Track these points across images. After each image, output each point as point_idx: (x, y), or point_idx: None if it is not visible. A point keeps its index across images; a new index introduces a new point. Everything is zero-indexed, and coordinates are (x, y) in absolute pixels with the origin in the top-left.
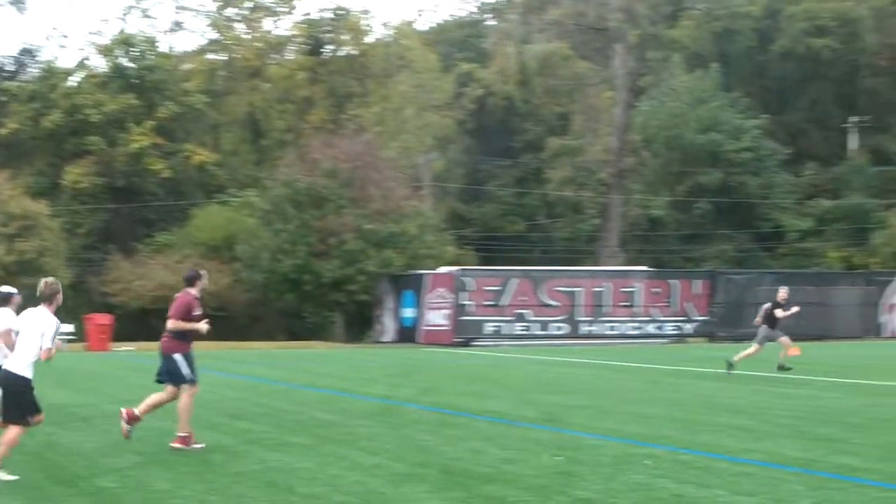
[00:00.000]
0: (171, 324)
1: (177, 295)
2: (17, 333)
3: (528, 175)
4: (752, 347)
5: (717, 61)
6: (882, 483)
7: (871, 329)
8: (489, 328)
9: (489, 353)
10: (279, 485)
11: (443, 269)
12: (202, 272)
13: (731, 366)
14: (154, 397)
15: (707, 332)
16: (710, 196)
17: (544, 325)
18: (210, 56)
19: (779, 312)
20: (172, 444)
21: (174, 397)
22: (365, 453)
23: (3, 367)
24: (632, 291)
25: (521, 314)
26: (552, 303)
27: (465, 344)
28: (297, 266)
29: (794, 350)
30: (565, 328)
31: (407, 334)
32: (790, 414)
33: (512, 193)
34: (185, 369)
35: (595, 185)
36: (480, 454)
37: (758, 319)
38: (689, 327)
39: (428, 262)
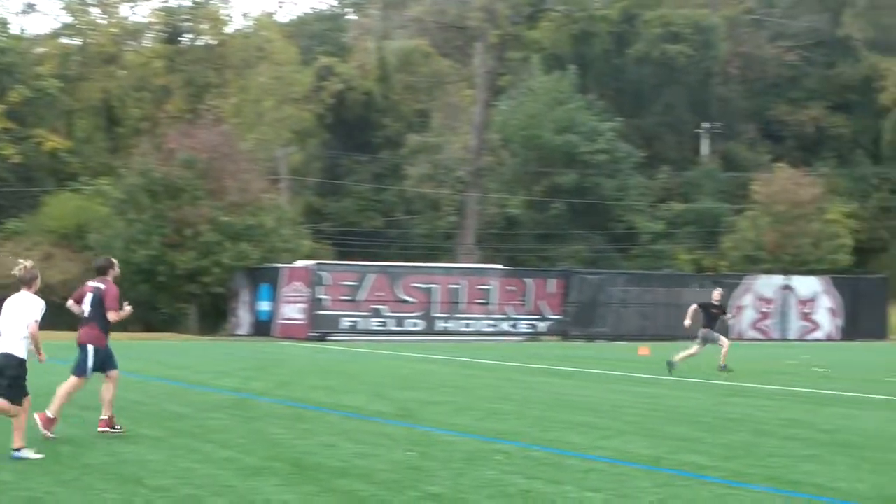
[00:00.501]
0: (113, 316)
1: (97, 286)
2: None
3: (387, 171)
4: (693, 348)
5: (575, 63)
6: (726, 480)
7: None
8: (345, 323)
9: (345, 347)
10: (128, 477)
11: (299, 263)
12: (114, 260)
13: (671, 366)
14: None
15: (561, 331)
16: (566, 196)
17: (400, 321)
18: (64, 40)
19: (728, 317)
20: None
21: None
22: (216, 446)
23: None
24: (487, 289)
25: (377, 310)
26: (408, 299)
27: (321, 338)
28: (151, 257)
29: (643, 350)
30: (421, 324)
31: (262, 328)
32: (640, 412)
33: (370, 189)
34: (90, 363)
35: (453, 182)
36: (333, 448)
37: (687, 322)
38: (543, 325)
39: (284, 255)
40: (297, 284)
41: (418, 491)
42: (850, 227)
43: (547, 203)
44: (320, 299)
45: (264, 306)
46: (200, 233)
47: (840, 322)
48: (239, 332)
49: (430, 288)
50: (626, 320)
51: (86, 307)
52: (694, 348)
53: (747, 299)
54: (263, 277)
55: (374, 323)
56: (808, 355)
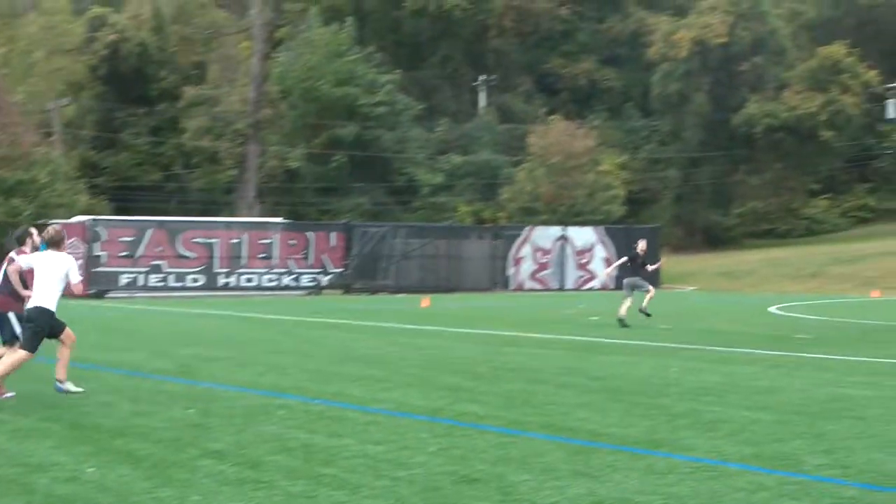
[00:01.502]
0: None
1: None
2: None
3: (164, 124)
4: (627, 301)
5: (353, 15)
6: (503, 429)
7: (500, 282)
8: (124, 280)
9: (124, 304)
10: None
11: (75, 219)
12: (31, 230)
13: (622, 322)
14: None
15: (343, 284)
16: (347, 149)
17: (180, 277)
18: None
19: (649, 267)
20: None
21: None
22: None
23: (34, 305)
24: (269, 243)
25: (156, 265)
26: (188, 254)
27: (99, 296)
28: None
29: (425, 302)
30: (202, 280)
31: None
32: (420, 364)
33: (147, 143)
34: (17, 328)
35: (232, 135)
36: (111, 408)
37: (609, 271)
38: (325, 279)
39: (59, 211)
40: (73, 241)
41: (199, 448)
42: (622, 178)
43: (328, 156)
44: (97, 256)
45: None
46: None
47: (615, 271)
48: None
49: (210, 243)
50: (408, 273)
51: None
52: (628, 300)
53: (526, 250)
54: None
55: (153, 279)
56: (584, 304)
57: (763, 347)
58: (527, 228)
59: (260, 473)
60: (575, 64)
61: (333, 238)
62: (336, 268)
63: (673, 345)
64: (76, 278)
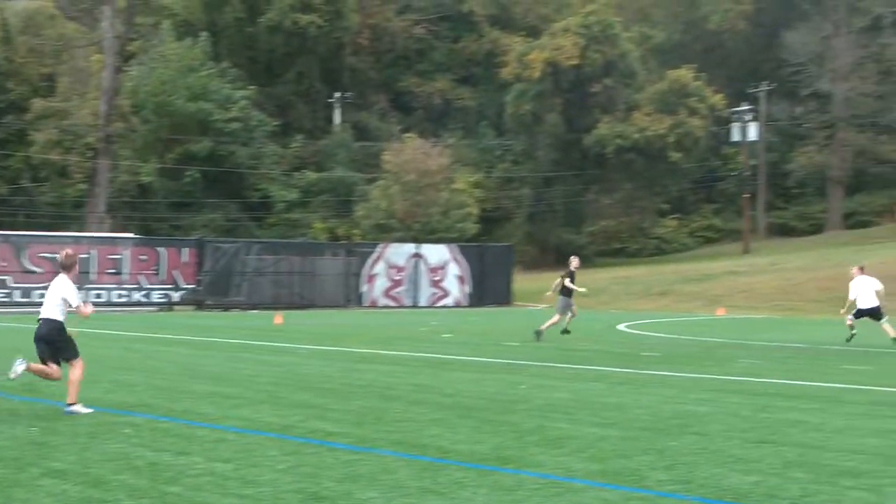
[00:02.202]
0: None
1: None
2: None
3: (12, 137)
4: (555, 317)
5: (207, 30)
6: (354, 446)
7: (354, 299)
8: None
9: None
10: None
11: None
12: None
13: (538, 335)
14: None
15: (195, 300)
16: (200, 164)
17: (27, 292)
18: None
19: (568, 282)
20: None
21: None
22: None
23: (43, 317)
24: (119, 258)
25: (2, 280)
26: (35, 269)
27: None
28: None
29: (278, 319)
30: None
31: None
32: (271, 381)
33: None
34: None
35: (82, 149)
36: None
37: (551, 294)
38: (177, 295)
39: None
40: None
41: (41, 468)
42: (476, 197)
43: (181, 171)
44: None
45: None
46: None
47: (468, 289)
48: None
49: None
50: (262, 289)
51: None
52: (556, 317)
53: (380, 267)
54: None
55: None
56: (437, 321)
57: (611, 365)
58: (381, 245)
59: (104, 493)
60: (430, 83)
61: (185, 254)
62: (188, 284)
63: (524, 362)
64: (74, 301)
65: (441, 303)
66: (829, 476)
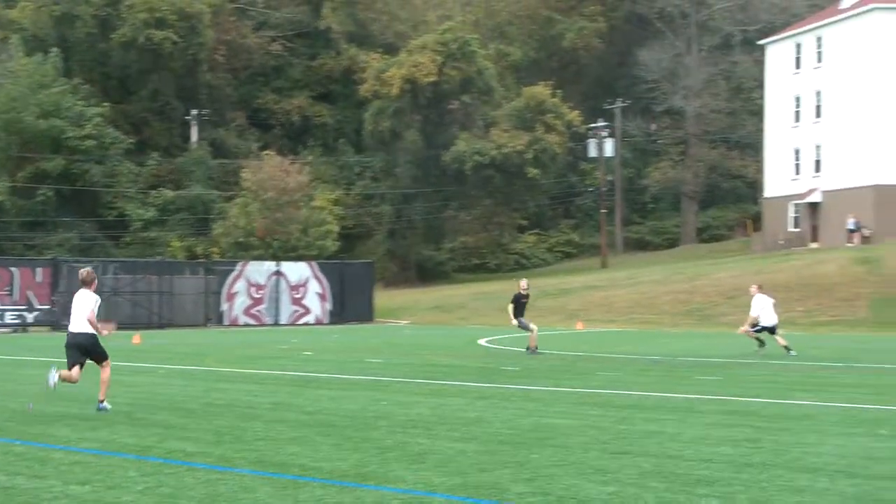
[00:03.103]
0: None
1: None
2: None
3: None
4: (532, 332)
5: (58, 46)
6: (214, 466)
7: (214, 317)
8: None
9: None
10: None
11: None
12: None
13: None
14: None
15: (50, 321)
16: (53, 183)
17: None
18: None
19: (511, 308)
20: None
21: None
22: None
23: (72, 331)
24: None
25: None
26: None
27: None
28: None
29: (135, 338)
30: None
31: None
32: (129, 402)
33: None
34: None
35: None
36: None
37: (514, 322)
38: (31, 316)
39: None
40: None
41: None
42: (336, 214)
43: (33, 190)
44: None
45: None
46: None
47: (329, 306)
48: None
49: None
50: (119, 309)
51: None
52: (532, 330)
53: (240, 285)
54: None
55: None
56: (298, 339)
57: (472, 380)
58: (240, 264)
59: None
60: (288, 99)
61: (40, 274)
62: (43, 304)
63: (385, 378)
64: (89, 312)
65: (302, 320)
66: (683, 485)
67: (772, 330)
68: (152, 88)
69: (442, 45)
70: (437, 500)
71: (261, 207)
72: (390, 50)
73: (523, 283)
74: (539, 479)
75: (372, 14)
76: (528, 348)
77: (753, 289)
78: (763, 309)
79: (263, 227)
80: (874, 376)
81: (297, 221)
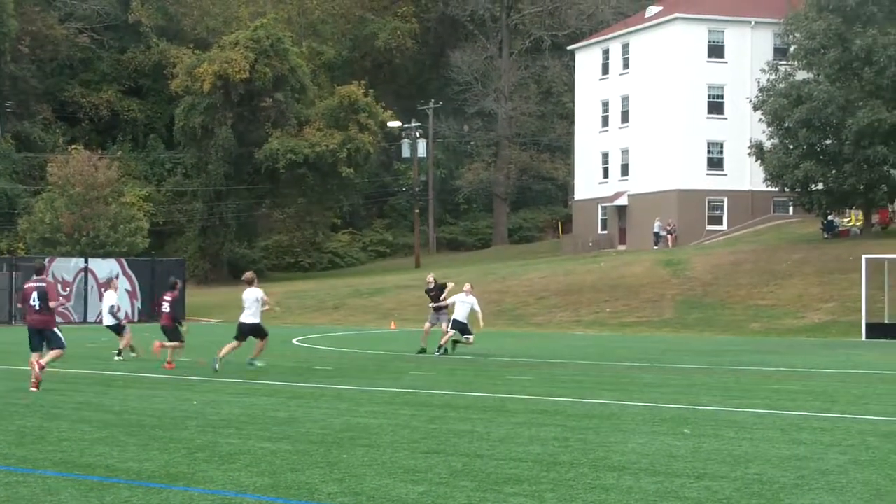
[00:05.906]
0: (54, 304)
1: (40, 284)
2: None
3: None
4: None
5: None
6: (13, 468)
7: (19, 314)
8: None
9: None
10: None
11: None
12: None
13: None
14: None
15: None
16: None
17: None
18: None
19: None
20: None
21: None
22: None
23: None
24: None
25: None
26: None
27: None
28: None
29: None
30: None
31: None
32: None
33: None
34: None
35: None
36: None
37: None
38: None
39: None
40: None
41: None
42: (146, 210)
43: None
44: None
45: None
46: None
47: (139, 304)
48: None
49: None
50: None
51: (35, 302)
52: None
53: None
54: None
55: None
56: (107, 338)
57: (285, 379)
58: (47, 260)
59: None
60: (96, 93)
61: None
62: None
63: (195, 378)
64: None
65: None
66: (492, 484)
67: (465, 330)
68: None
69: (254, 42)
70: (248, 501)
71: (68, 203)
72: (202, 45)
73: (429, 277)
74: (350, 479)
75: (183, 9)
76: (439, 347)
77: (467, 287)
78: (460, 305)
79: (71, 223)
80: (677, 376)
81: (106, 217)
